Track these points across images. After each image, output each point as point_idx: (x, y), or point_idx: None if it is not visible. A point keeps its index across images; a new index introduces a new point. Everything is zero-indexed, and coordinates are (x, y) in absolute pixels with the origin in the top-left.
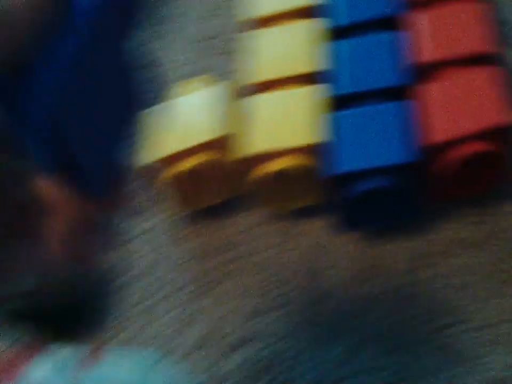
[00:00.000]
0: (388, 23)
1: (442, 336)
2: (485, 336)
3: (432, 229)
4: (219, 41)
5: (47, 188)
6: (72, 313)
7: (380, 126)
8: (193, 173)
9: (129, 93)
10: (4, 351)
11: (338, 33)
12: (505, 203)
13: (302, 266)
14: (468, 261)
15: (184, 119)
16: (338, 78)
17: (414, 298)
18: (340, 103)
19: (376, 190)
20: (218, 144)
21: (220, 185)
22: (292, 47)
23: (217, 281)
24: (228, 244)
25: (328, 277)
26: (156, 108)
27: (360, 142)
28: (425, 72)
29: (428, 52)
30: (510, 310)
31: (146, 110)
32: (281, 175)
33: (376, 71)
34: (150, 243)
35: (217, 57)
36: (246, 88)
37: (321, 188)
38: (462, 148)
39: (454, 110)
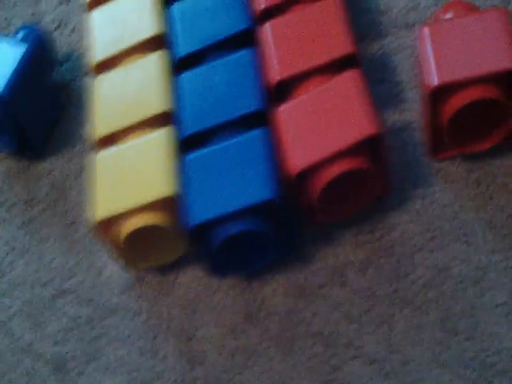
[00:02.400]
0: (236, 42)
1: (343, 374)
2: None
3: (313, 259)
4: None
5: None
6: None
7: (233, 164)
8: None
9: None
10: None
11: (181, 65)
12: (384, 218)
13: (174, 329)
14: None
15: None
16: (183, 116)
17: (299, 342)
18: (189, 145)
19: (241, 234)
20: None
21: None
22: (132, 88)
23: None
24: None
25: (201, 336)
26: None
27: (212, 186)
28: (282, 92)
29: (277, 69)
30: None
31: None
32: (139, 235)
33: (224, 101)
34: None
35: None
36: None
37: (186, 239)
38: (323, 173)
39: (312, 129)
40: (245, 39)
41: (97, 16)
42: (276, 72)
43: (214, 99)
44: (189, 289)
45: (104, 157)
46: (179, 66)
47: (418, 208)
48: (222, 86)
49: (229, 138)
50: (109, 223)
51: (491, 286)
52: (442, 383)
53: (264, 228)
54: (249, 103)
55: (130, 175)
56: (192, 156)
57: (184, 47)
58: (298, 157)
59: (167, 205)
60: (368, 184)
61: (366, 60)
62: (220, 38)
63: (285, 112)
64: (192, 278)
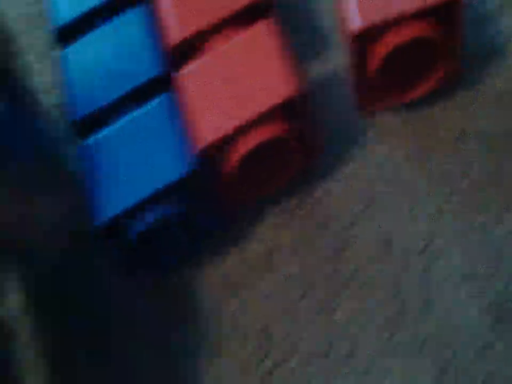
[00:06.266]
0: (124, 4)
1: (279, 374)
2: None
3: (234, 248)
4: None
5: None
6: None
7: (136, 143)
8: None
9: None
10: None
11: (65, 37)
12: (313, 189)
13: None
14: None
15: None
16: (72, 98)
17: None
18: (83, 130)
19: (159, 222)
20: None
21: None
22: None
23: None
24: None
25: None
26: None
27: (116, 173)
28: (188, 55)
29: (175, 30)
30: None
31: None
32: None
33: (117, 72)
34: None
35: None
36: None
37: None
38: (236, 147)
39: (220, 94)
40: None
41: None
42: (174, 33)
43: (106, 72)
44: None
45: None
46: (62, 38)
47: (350, 172)
48: (113, 55)
49: (128, 114)
50: None
51: (440, 253)
52: (393, 372)
53: (183, 209)
54: (147, 70)
55: None
56: (88, 142)
57: (64, 15)
58: (205, 130)
59: None
60: (291, 153)
61: (280, 6)
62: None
63: (188, 76)
64: None
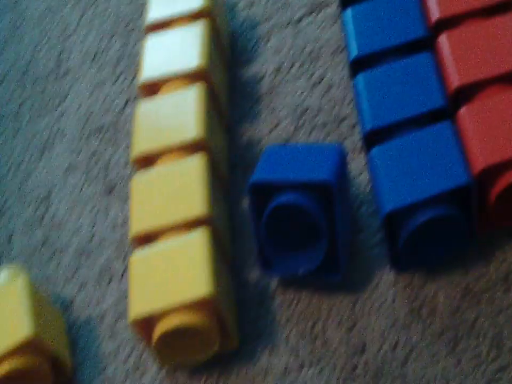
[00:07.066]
0: (410, 48)
1: (508, 375)
2: None
3: (477, 263)
4: None
5: None
6: None
7: (420, 154)
8: None
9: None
10: None
11: (355, 66)
12: None
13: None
14: None
15: None
16: (364, 113)
17: (462, 342)
18: (371, 140)
19: (432, 221)
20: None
21: None
22: (170, 117)
23: None
24: None
25: (366, 327)
26: None
27: (402, 175)
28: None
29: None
30: None
31: None
32: (173, 334)
33: (404, 99)
34: None
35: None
36: None
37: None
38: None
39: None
40: (419, 46)
41: (151, 41)
42: (455, 78)
43: (394, 97)
44: None
45: (140, 256)
46: (353, 67)
47: None
48: (401, 85)
49: (413, 132)
50: (144, 323)
51: None
52: None
53: (461, 213)
54: (432, 101)
55: (167, 275)
56: (380, 147)
57: (359, 49)
58: (482, 154)
59: (203, 305)
60: None
61: None
62: (397, 42)
63: (468, 112)
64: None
